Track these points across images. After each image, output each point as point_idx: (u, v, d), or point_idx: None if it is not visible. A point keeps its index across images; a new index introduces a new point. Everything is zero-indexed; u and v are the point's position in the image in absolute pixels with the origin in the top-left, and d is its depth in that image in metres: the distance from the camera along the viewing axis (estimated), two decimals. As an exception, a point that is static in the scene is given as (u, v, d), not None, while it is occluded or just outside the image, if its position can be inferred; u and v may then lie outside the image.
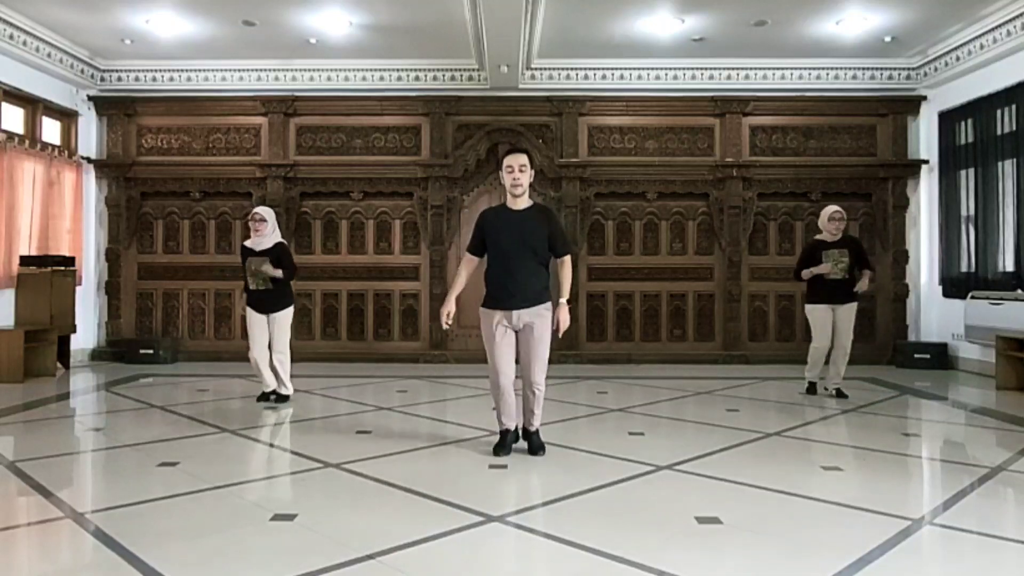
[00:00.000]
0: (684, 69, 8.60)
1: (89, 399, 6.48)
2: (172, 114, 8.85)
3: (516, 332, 4.09)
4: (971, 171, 7.89)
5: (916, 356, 8.21)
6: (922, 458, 4.48)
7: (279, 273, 5.72)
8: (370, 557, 2.68)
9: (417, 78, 8.68)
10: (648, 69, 8.61)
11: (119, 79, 8.73)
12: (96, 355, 8.76)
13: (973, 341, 7.60)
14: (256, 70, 8.66)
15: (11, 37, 7.25)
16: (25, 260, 7.47)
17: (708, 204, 8.80)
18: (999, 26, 7.11)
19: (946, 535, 3.00)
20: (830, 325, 6.14)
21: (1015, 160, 7.19)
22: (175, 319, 8.92)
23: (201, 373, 7.70)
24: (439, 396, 6.55)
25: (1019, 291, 7.03)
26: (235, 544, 2.84)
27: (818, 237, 6.26)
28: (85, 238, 8.63)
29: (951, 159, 8.21)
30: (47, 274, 7.51)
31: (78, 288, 8.18)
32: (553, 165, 8.63)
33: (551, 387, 6.58)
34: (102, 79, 8.70)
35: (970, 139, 7.91)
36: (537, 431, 4.23)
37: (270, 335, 5.80)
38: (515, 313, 4.03)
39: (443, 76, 8.68)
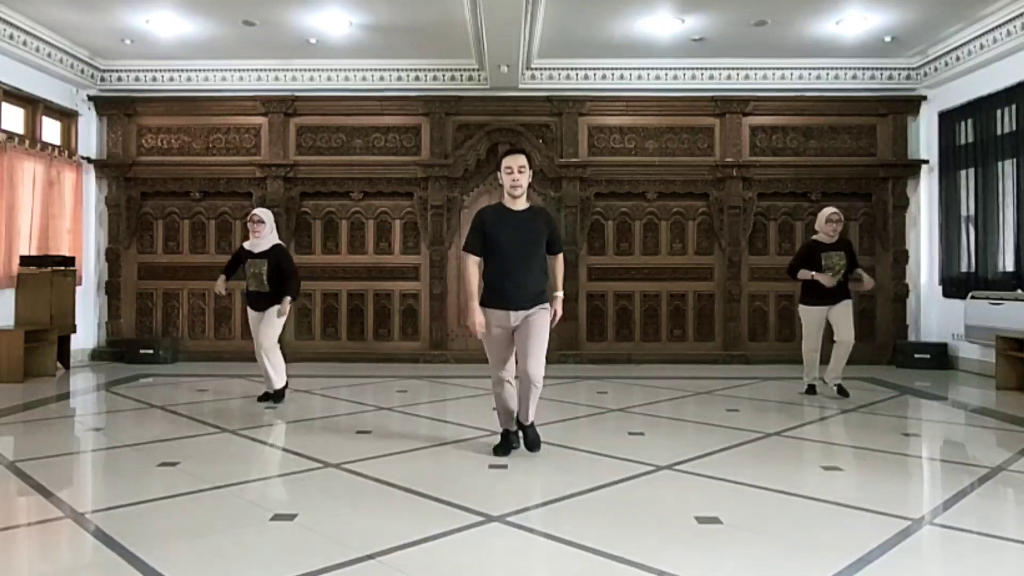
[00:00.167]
0: (684, 69, 8.61)
1: (89, 399, 6.48)
2: (172, 114, 8.85)
3: (513, 330, 4.08)
4: (971, 171, 7.89)
5: (916, 356, 8.22)
6: (922, 458, 4.47)
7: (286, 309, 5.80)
8: (370, 557, 2.68)
9: (417, 78, 8.68)
10: (648, 69, 8.61)
11: (119, 79, 8.73)
12: (96, 355, 8.76)
13: (973, 341, 7.60)
14: (256, 70, 8.66)
15: (11, 37, 7.25)
16: (25, 260, 7.47)
17: (708, 204, 8.80)
18: (999, 26, 7.11)
19: (946, 535, 3.00)
20: (822, 327, 6.18)
21: (1015, 160, 7.19)
22: (175, 319, 8.92)
23: (201, 373, 7.70)
24: (439, 396, 6.55)
25: (1019, 291, 7.03)
26: (235, 544, 2.84)
27: (815, 238, 6.25)
28: (85, 238, 8.63)
29: (951, 159, 8.21)
30: (47, 274, 7.51)
31: (78, 288, 8.18)
32: (553, 165, 8.63)
33: (551, 387, 6.60)
34: (102, 79, 8.70)
35: (970, 139, 7.91)
36: (532, 424, 4.22)
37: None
38: (513, 314, 4.03)
39: (443, 76, 8.68)
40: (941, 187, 8.39)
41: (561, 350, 8.40)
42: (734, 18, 7.30)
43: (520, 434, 4.28)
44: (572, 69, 8.63)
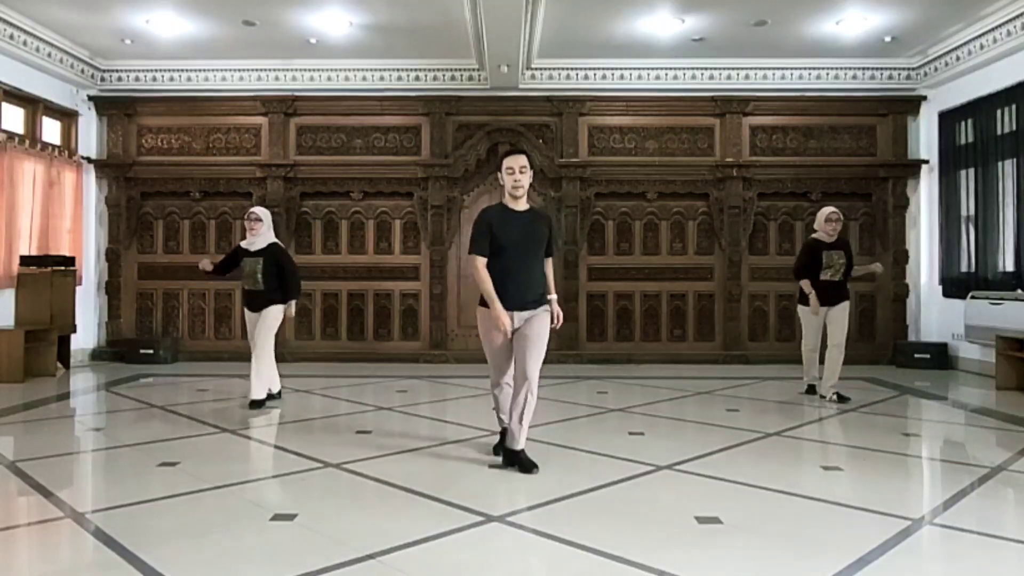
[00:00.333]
0: (684, 69, 8.61)
1: (89, 399, 6.48)
2: (172, 114, 8.85)
3: (514, 332, 4.03)
4: (971, 171, 7.89)
5: (916, 356, 8.22)
6: (922, 458, 4.48)
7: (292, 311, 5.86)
8: (370, 557, 2.68)
9: (417, 78, 8.68)
10: (648, 69, 8.61)
11: (119, 79, 8.73)
12: (96, 355, 8.76)
13: (973, 341, 7.60)
14: (256, 70, 8.67)
15: (11, 37, 7.25)
16: (25, 260, 7.47)
17: (708, 204, 8.80)
18: (999, 26, 7.11)
19: (946, 535, 3.00)
20: (821, 327, 6.15)
21: (1015, 160, 7.19)
22: (175, 319, 8.93)
23: (201, 373, 7.70)
24: (439, 396, 6.55)
25: (1019, 291, 7.03)
26: (235, 544, 2.84)
27: (816, 236, 6.19)
28: (85, 238, 8.63)
29: (951, 159, 8.21)
30: (47, 274, 7.51)
31: (78, 288, 8.18)
32: (553, 165, 8.63)
33: (551, 387, 6.61)
34: (102, 79, 8.70)
35: (970, 139, 7.91)
36: (523, 451, 3.93)
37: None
38: (517, 315, 3.96)
39: (443, 76, 8.68)
40: (941, 187, 8.39)
41: (561, 350, 8.40)
42: (734, 18, 7.30)
43: (504, 458, 4.03)
44: (572, 69, 8.63)
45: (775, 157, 8.76)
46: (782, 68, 8.58)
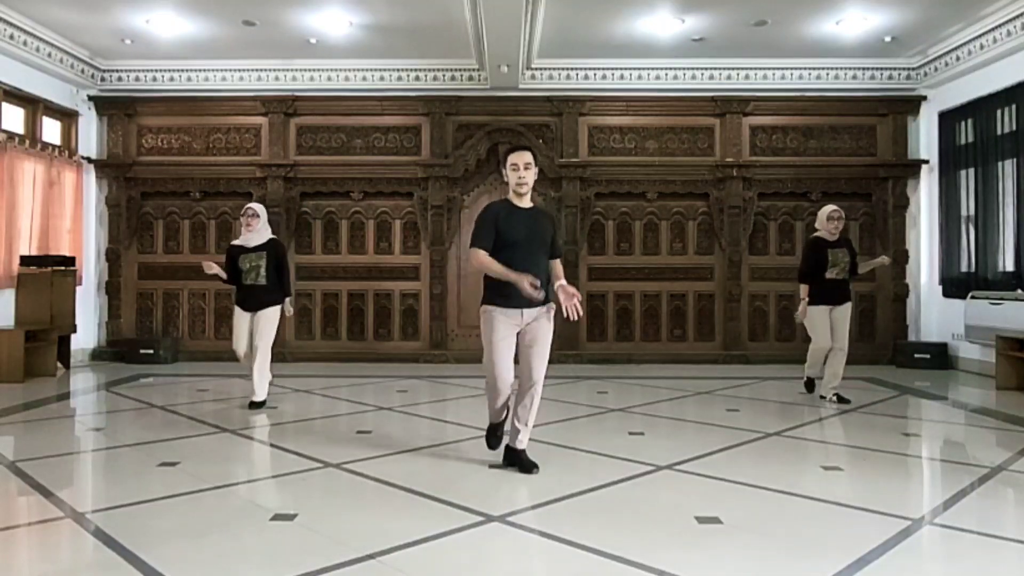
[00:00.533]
0: (684, 69, 8.61)
1: (89, 399, 6.48)
2: (172, 114, 8.85)
3: (518, 332, 3.95)
4: (971, 171, 7.89)
5: (916, 356, 8.22)
6: (922, 458, 4.48)
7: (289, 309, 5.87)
8: (370, 557, 2.68)
9: (417, 78, 8.68)
10: (648, 69, 8.61)
11: (119, 79, 8.74)
12: (96, 355, 8.76)
13: (973, 341, 7.60)
14: (256, 70, 8.67)
15: (11, 37, 7.25)
16: (25, 260, 7.47)
17: (708, 204, 8.80)
18: (999, 26, 7.11)
19: (946, 535, 3.00)
20: (829, 325, 6.09)
21: (1015, 160, 7.19)
22: (175, 319, 8.93)
23: (201, 373, 7.71)
24: (439, 396, 6.55)
25: (1019, 291, 7.03)
26: (235, 544, 2.84)
27: (818, 235, 6.10)
28: (85, 238, 8.63)
29: (951, 159, 8.21)
30: (47, 274, 7.52)
31: (78, 288, 8.18)
32: (553, 165, 8.63)
33: (552, 387, 6.60)
34: (102, 79, 8.70)
35: (970, 139, 7.91)
36: (524, 450, 3.95)
37: (252, 332, 5.66)
38: (526, 312, 3.86)
39: (443, 76, 8.68)
40: (941, 187, 8.39)
41: (561, 350, 8.39)
42: (734, 18, 7.30)
43: (504, 457, 4.04)
44: (572, 69, 8.63)
45: (775, 157, 8.76)
46: (782, 68, 8.58)
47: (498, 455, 4.09)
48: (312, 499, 3.44)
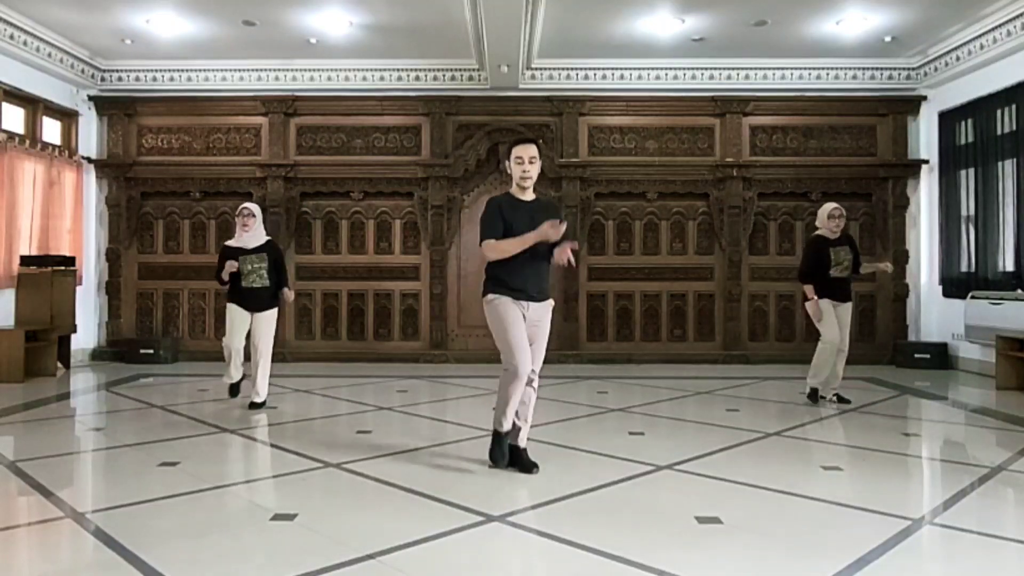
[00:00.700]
0: (684, 69, 8.61)
1: (89, 399, 6.48)
2: (172, 114, 8.85)
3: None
4: (971, 171, 7.89)
5: (916, 356, 8.22)
6: (922, 458, 4.48)
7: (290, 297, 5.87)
8: (370, 557, 2.68)
9: (417, 78, 8.68)
10: (648, 69, 8.61)
11: (119, 79, 8.74)
12: (96, 355, 8.76)
13: (973, 341, 7.60)
14: (256, 70, 8.67)
15: (11, 37, 7.25)
16: (25, 260, 7.47)
17: (708, 204, 8.80)
18: (999, 26, 7.11)
19: (946, 535, 3.00)
20: (836, 319, 5.95)
21: (1015, 160, 7.19)
22: (175, 319, 8.93)
23: (201, 373, 7.69)
24: (439, 396, 6.55)
25: (1019, 291, 7.03)
26: (235, 544, 2.84)
27: (820, 234, 6.01)
28: (85, 238, 8.63)
29: (951, 159, 8.21)
30: (47, 274, 7.52)
31: (78, 288, 8.18)
32: (553, 165, 8.62)
33: (552, 387, 6.61)
34: (102, 79, 8.70)
35: (970, 139, 7.91)
36: (525, 449, 3.97)
37: (253, 333, 5.65)
38: (533, 305, 3.83)
39: (443, 76, 8.68)
40: (941, 187, 8.39)
41: (561, 350, 8.39)
42: (734, 18, 7.30)
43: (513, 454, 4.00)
44: (572, 69, 8.63)
45: (775, 157, 8.75)
46: (782, 68, 8.58)
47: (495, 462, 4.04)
48: (312, 499, 3.44)
